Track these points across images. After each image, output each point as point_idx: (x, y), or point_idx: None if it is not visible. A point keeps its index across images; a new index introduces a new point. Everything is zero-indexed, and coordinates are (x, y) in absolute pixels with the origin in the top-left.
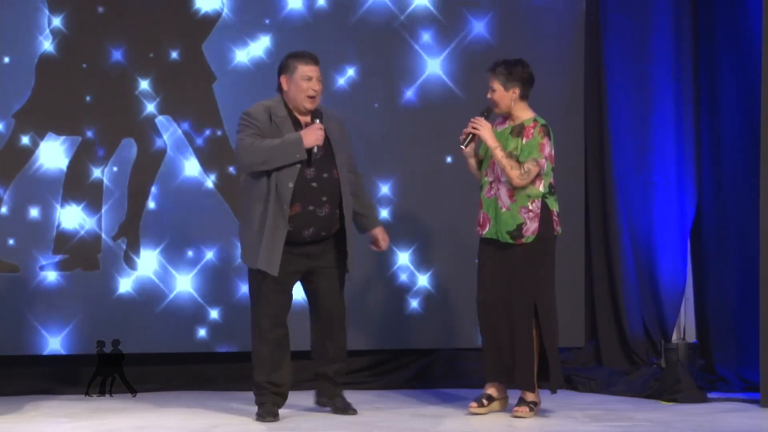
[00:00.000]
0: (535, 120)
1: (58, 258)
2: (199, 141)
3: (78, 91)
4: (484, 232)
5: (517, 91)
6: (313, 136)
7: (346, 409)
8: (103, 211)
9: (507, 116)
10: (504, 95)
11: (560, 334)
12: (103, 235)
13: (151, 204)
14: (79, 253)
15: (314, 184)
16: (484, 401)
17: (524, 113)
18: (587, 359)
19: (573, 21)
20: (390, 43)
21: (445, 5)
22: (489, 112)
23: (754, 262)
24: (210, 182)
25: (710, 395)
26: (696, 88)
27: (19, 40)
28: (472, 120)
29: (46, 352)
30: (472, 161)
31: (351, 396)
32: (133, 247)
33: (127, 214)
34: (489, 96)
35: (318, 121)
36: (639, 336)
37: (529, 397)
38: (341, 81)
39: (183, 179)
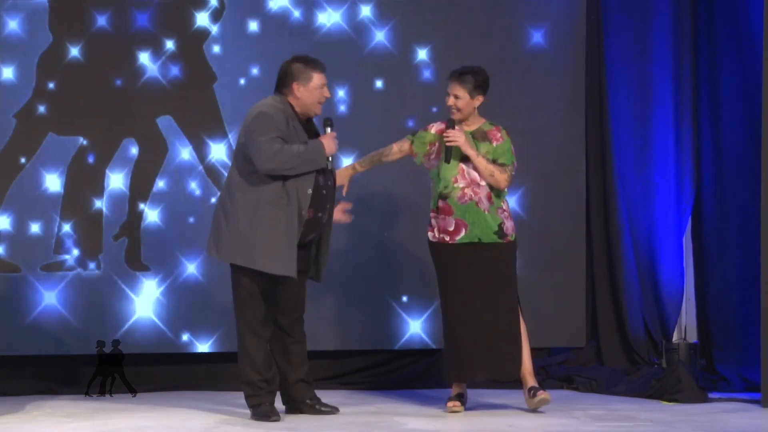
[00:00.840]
0: (493, 124)
1: (59, 258)
2: (200, 140)
3: (79, 90)
4: (457, 238)
5: (481, 98)
6: (332, 145)
7: (332, 407)
8: (104, 211)
9: (458, 122)
10: (469, 102)
11: (561, 334)
12: (104, 236)
13: (153, 203)
14: (80, 253)
15: (324, 191)
16: (462, 400)
17: (478, 119)
18: (588, 359)
19: (574, 21)
20: (392, 76)
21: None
22: (453, 123)
23: (754, 262)
24: (210, 181)
25: (711, 395)
26: (696, 87)
27: (21, 40)
28: (445, 133)
29: (46, 353)
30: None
31: (351, 396)
32: (135, 247)
33: (128, 214)
34: (452, 103)
35: (330, 129)
36: (640, 336)
37: (533, 381)
38: (342, 107)
39: (183, 176)
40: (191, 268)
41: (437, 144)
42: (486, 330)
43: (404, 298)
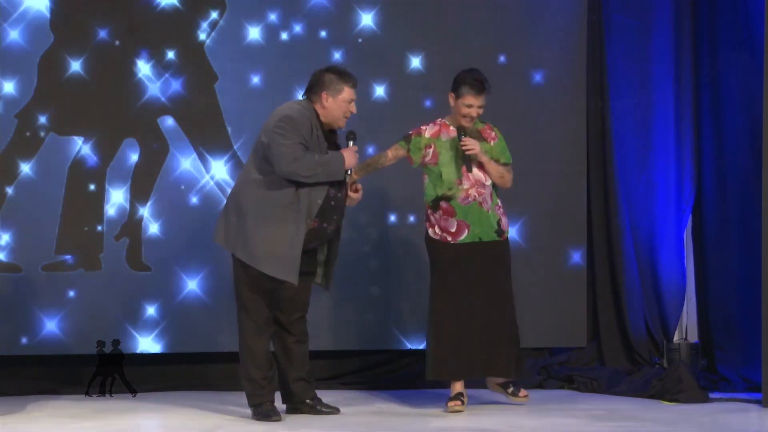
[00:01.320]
0: (484, 123)
1: (60, 258)
2: (201, 140)
3: (80, 91)
4: (459, 239)
5: None
6: (353, 159)
7: (332, 407)
8: (105, 210)
9: (450, 123)
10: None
11: (562, 334)
12: (105, 236)
13: (153, 203)
14: (81, 253)
15: (333, 203)
16: (463, 399)
17: None
18: (589, 359)
19: (575, 21)
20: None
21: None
22: (464, 130)
23: (756, 262)
24: (210, 179)
25: (712, 395)
26: (697, 87)
27: (23, 50)
28: (462, 143)
29: (47, 353)
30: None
31: (351, 396)
32: (136, 247)
33: (129, 215)
34: (476, 114)
35: (352, 143)
36: (641, 336)
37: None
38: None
39: (183, 175)
40: (192, 284)
41: (432, 146)
42: (485, 329)
43: (407, 324)
